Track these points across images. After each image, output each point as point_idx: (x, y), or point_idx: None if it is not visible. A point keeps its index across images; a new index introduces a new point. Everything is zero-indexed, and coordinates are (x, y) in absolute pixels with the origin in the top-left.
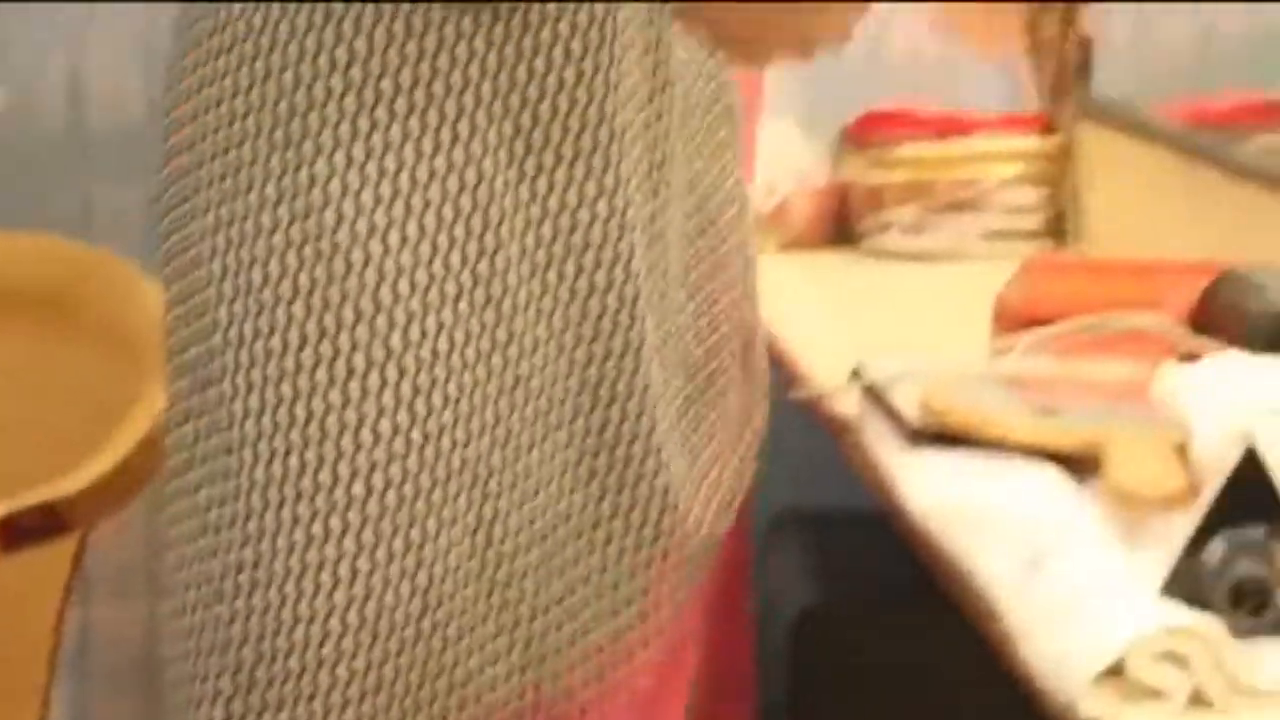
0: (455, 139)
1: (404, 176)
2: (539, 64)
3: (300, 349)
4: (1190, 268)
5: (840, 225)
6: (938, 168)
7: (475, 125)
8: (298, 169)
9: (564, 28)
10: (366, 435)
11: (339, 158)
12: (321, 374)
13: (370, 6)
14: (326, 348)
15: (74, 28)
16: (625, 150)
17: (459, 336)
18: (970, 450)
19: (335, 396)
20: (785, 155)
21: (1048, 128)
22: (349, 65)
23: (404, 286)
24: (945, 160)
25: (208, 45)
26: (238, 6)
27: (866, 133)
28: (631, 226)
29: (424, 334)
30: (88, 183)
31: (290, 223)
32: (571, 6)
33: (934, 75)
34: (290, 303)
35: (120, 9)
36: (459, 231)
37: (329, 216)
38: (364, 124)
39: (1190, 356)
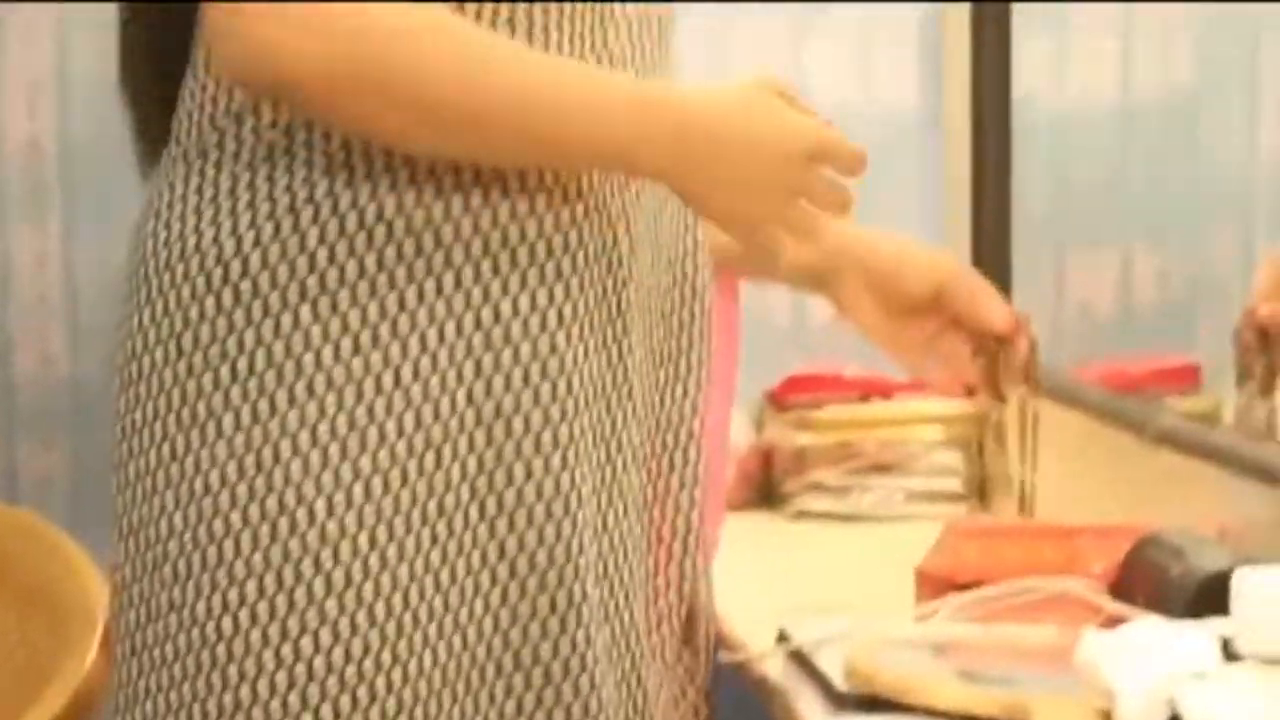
0: (416, 375)
1: (361, 410)
2: (505, 307)
3: (235, 568)
4: (1111, 531)
5: (765, 487)
6: (861, 430)
7: (436, 363)
8: (257, 399)
9: (532, 276)
10: (300, 671)
11: (299, 388)
12: (262, 607)
13: (343, 243)
14: (271, 578)
15: None
16: (580, 406)
17: (402, 574)
18: (896, 715)
19: (274, 632)
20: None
21: (969, 390)
22: (319, 295)
23: (351, 521)
24: (868, 422)
25: (164, 278)
26: (205, 240)
27: (789, 395)
28: (582, 480)
29: (366, 571)
30: (13, 444)
31: (245, 452)
32: (532, 277)
33: (855, 338)
34: (230, 510)
35: (42, 266)
36: (411, 468)
37: (284, 446)
38: (328, 356)
39: (1113, 621)
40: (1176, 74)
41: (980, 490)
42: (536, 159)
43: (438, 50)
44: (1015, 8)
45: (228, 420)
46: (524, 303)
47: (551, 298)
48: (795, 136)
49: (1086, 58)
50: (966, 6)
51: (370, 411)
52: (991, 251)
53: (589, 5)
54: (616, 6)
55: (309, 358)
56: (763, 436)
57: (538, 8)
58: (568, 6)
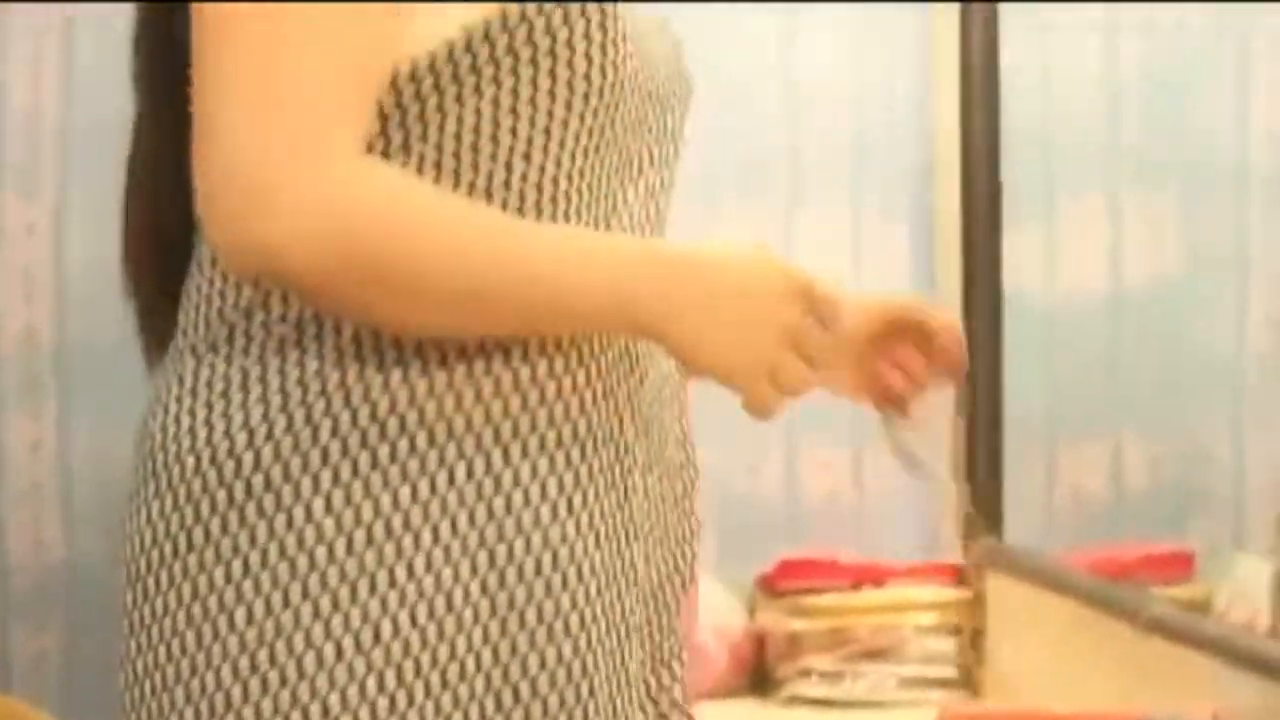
0: (429, 567)
1: (375, 603)
2: (516, 498)
3: None
4: (1101, 718)
5: (757, 673)
6: (854, 616)
7: (450, 554)
8: (270, 591)
9: (542, 465)
10: None
11: (313, 581)
12: None
13: (355, 435)
14: None
15: None
16: (591, 595)
17: None
18: None
19: None
20: (701, 603)
21: (961, 577)
22: (332, 489)
23: (365, 715)
24: (861, 609)
25: (173, 472)
26: (216, 434)
27: (782, 580)
28: (595, 668)
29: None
30: (6, 629)
31: (258, 646)
32: (543, 467)
33: (848, 523)
34: (242, 706)
35: (36, 452)
36: (425, 660)
37: (298, 640)
38: (341, 549)
39: None
40: (1165, 263)
41: (970, 677)
42: (539, 328)
43: (430, 234)
44: (1006, 198)
45: (240, 614)
46: (535, 492)
47: (561, 487)
48: (789, 279)
49: (1076, 248)
50: (956, 196)
51: (384, 604)
52: (984, 440)
53: (602, 194)
54: (627, 189)
55: (322, 551)
56: (755, 621)
57: (560, 195)
58: (586, 190)
